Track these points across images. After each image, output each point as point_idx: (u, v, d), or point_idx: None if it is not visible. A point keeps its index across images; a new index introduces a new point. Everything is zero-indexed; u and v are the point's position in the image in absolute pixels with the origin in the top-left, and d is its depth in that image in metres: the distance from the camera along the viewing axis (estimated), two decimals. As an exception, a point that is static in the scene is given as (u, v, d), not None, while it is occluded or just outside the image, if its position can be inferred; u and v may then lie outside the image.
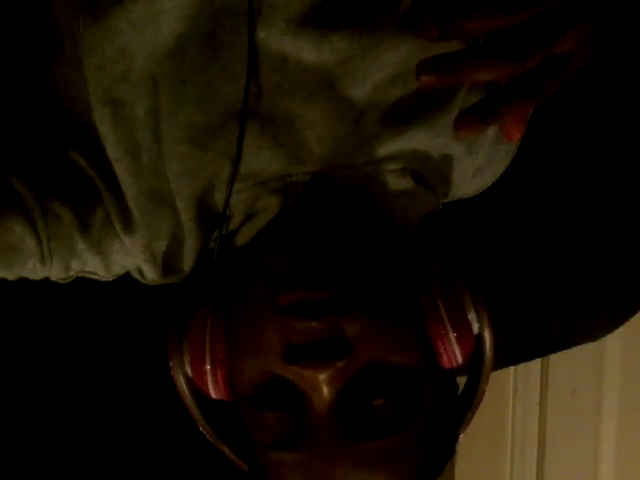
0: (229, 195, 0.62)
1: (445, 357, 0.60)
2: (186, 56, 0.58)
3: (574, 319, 0.78)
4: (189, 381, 0.63)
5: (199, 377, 0.62)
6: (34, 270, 0.63)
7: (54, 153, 0.64)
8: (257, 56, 0.57)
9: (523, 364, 1.26)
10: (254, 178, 0.62)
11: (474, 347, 0.62)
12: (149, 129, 0.61)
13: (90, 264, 0.64)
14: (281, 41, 0.57)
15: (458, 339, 0.59)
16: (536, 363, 1.34)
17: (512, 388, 1.36)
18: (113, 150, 0.61)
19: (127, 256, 0.65)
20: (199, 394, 0.64)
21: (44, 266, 0.63)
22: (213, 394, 0.62)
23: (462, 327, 0.60)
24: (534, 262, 0.76)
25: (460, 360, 0.61)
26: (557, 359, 1.32)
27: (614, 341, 1.31)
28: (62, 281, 0.65)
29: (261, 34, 0.56)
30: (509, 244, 0.76)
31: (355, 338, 0.56)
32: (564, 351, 0.85)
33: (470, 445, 1.29)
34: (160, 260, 0.65)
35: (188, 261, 0.66)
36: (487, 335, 0.61)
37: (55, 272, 0.64)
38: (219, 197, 0.63)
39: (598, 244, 0.75)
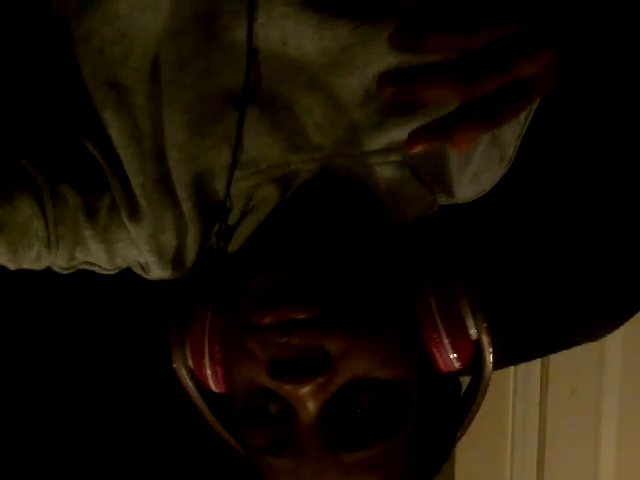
0: (229, 182, 0.62)
1: (442, 363, 0.60)
2: (185, 41, 0.58)
3: (574, 319, 0.78)
4: (192, 373, 0.64)
5: (200, 371, 0.63)
6: (38, 256, 0.63)
7: (65, 138, 0.65)
8: (256, 40, 0.57)
9: (523, 364, 1.26)
10: (254, 166, 0.62)
11: (474, 351, 0.61)
12: (149, 116, 0.61)
13: (94, 254, 0.64)
14: (281, 25, 0.56)
15: (453, 345, 0.59)
16: (536, 363, 1.34)
17: (512, 388, 1.36)
18: (118, 136, 0.61)
19: (132, 247, 0.65)
20: (201, 385, 0.65)
21: (49, 252, 0.63)
22: (214, 388, 0.63)
23: (458, 333, 0.59)
24: (534, 262, 0.76)
25: (457, 365, 0.60)
26: (557, 359, 1.32)
27: (614, 341, 1.31)
28: (64, 271, 0.65)
29: (261, 18, 0.56)
30: (509, 244, 0.76)
31: (337, 355, 0.56)
32: (564, 351, 0.85)
33: (470, 445, 1.28)
34: (165, 253, 0.65)
35: (190, 255, 0.66)
36: (485, 341, 0.60)
37: (59, 260, 0.64)
38: (219, 185, 0.63)
39: (598, 244, 0.74)
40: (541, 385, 1.37)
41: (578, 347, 0.83)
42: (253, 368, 0.57)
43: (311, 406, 0.55)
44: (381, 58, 0.57)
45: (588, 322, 0.78)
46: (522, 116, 0.64)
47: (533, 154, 0.68)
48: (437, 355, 0.59)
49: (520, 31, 0.47)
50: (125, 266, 0.67)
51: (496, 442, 1.36)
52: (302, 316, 0.55)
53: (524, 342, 0.82)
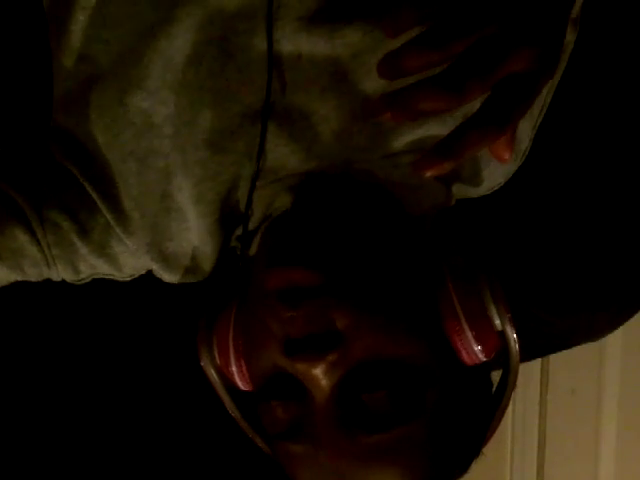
0: (251, 191, 0.62)
1: (465, 354, 0.59)
2: (202, 63, 0.58)
3: (574, 319, 0.78)
4: (219, 371, 0.65)
5: (227, 369, 0.63)
6: (43, 273, 0.64)
7: (50, 162, 0.65)
8: (272, 58, 0.57)
9: (523, 364, 1.26)
10: (273, 175, 0.62)
11: (500, 344, 0.60)
12: (167, 136, 0.61)
13: (99, 267, 0.65)
14: (295, 39, 0.57)
15: (476, 335, 0.58)
16: (536, 363, 1.34)
17: (512, 388, 1.36)
18: (115, 151, 0.62)
19: (134, 257, 0.65)
20: (230, 386, 0.65)
21: (51, 270, 0.64)
22: (240, 385, 0.64)
23: (480, 323, 0.58)
24: (534, 262, 0.76)
25: (482, 357, 0.59)
26: (557, 359, 1.32)
27: (614, 341, 1.31)
28: (78, 282, 0.66)
29: (275, 35, 0.57)
30: (509, 244, 0.76)
31: (346, 331, 0.55)
32: (564, 351, 0.85)
33: (470, 445, 1.28)
34: (171, 260, 0.66)
35: (208, 261, 0.67)
36: (509, 331, 0.59)
37: (66, 274, 0.65)
38: (240, 194, 0.63)
39: (598, 244, 0.75)
40: (541, 385, 1.37)
41: (578, 347, 0.83)
42: (271, 350, 0.57)
43: (324, 385, 0.55)
44: None
45: (589, 322, 0.78)
46: (536, 110, 0.64)
47: (543, 151, 0.68)
48: (460, 346, 0.59)
49: (494, 32, 0.46)
50: (138, 273, 0.67)
51: (496, 442, 1.36)
52: (309, 280, 0.55)
53: (524, 342, 0.82)
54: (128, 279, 0.67)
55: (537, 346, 0.85)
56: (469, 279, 0.60)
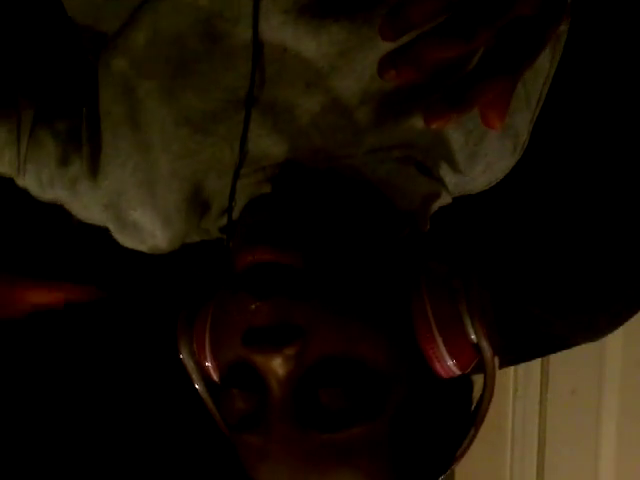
0: (235, 179, 0.62)
1: (438, 365, 0.58)
2: (186, 44, 0.58)
3: (574, 319, 0.78)
4: (198, 364, 0.64)
5: (203, 362, 0.63)
6: (9, 173, 0.66)
7: (63, 87, 0.67)
8: (257, 49, 0.57)
9: (523, 364, 1.25)
10: (255, 164, 0.62)
11: (477, 357, 0.59)
12: (149, 110, 0.61)
13: (63, 198, 0.67)
14: (280, 32, 0.57)
15: (448, 345, 0.57)
16: (536, 363, 1.34)
17: (512, 388, 1.36)
18: (106, 103, 0.63)
19: (96, 207, 0.67)
20: (207, 379, 0.65)
21: (18, 177, 0.66)
22: (215, 378, 0.63)
23: (452, 333, 0.57)
24: (534, 262, 0.76)
25: (457, 370, 0.58)
26: (557, 359, 1.32)
27: (614, 341, 1.31)
28: (39, 199, 0.68)
29: (260, 25, 0.56)
30: (509, 243, 0.76)
31: (308, 327, 0.55)
32: (564, 351, 0.85)
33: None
34: (129, 227, 0.67)
35: (167, 240, 0.67)
36: (485, 346, 0.57)
37: (31, 188, 0.67)
38: (217, 183, 0.64)
39: (598, 244, 0.74)
40: (541, 385, 1.37)
41: (578, 347, 0.83)
42: (232, 339, 0.57)
43: (280, 378, 0.55)
44: (378, 59, 0.57)
45: (589, 322, 0.78)
46: (533, 102, 0.63)
47: (541, 146, 0.68)
48: (430, 354, 0.57)
49: None
50: (94, 223, 0.69)
51: (496, 442, 1.36)
52: (278, 259, 0.55)
53: (524, 342, 0.82)
54: (83, 221, 0.69)
55: (537, 346, 0.84)
56: (445, 289, 0.58)
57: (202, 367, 0.64)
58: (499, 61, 0.44)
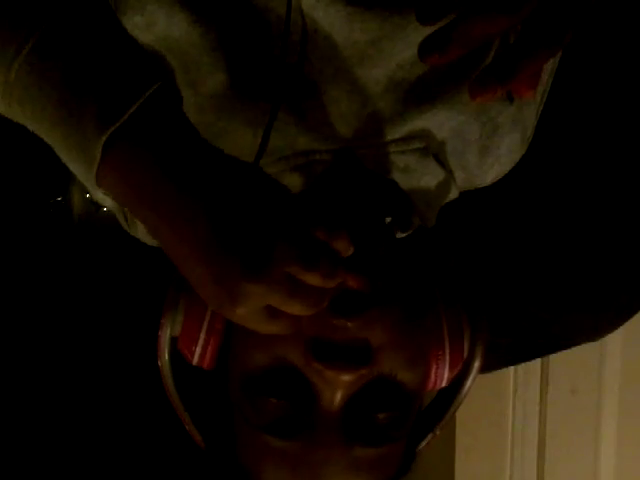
0: (258, 157, 0.60)
1: (432, 380, 0.60)
2: (217, 23, 0.56)
3: (574, 319, 0.78)
4: (173, 341, 0.61)
5: (187, 340, 0.60)
6: None
7: None
8: (290, 26, 0.56)
9: (523, 364, 1.25)
10: (278, 153, 0.61)
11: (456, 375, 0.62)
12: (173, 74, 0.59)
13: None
14: (313, 12, 0.55)
15: (451, 365, 0.60)
16: (536, 363, 1.34)
17: (512, 388, 1.36)
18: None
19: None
20: (178, 357, 0.62)
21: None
22: (195, 361, 0.61)
23: (457, 354, 0.60)
24: (534, 262, 0.76)
25: (443, 385, 0.61)
26: (557, 359, 1.32)
27: (614, 341, 1.31)
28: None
29: (294, 3, 0.55)
30: (509, 243, 0.76)
31: (378, 348, 0.56)
32: (564, 351, 0.85)
33: (470, 445, 1.28)
34: None
35: None
36: (476, 365, 0.61)
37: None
38: None
39: (599, 244, 0.74)
40: (541, 385, 1.37)
41: (578, 347, 0.83)
42: (283, 343, 0.56)
43: (340, 395, 0.55)
44: (407, 48, 0.57)
45: (588, 322, 0.78)
46: (538, 96, 0.63)
47: (537, 148, 0.68)
48: (433, 372, 0.60)
49: None
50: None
51: (496, 442, 1.35)
52: (361, 288, 0.54)
53: (524, 342, 0.82)
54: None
55: (537, 346, 0.84)
56: (456, 304, 0.60)
57: (180, 346, 0.61)
58: (541, 35, 0.44)
